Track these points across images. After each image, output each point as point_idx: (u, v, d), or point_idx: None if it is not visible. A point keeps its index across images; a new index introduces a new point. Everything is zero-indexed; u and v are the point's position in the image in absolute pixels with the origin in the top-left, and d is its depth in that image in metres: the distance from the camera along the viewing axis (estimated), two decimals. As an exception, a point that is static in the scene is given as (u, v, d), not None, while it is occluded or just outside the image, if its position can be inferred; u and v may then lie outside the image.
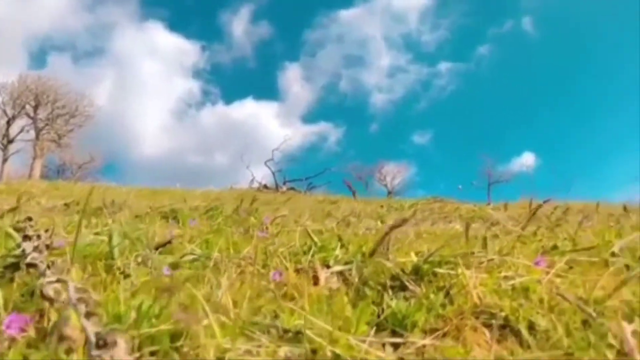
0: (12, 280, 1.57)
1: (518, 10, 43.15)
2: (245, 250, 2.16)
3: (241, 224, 3.34)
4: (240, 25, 41.36)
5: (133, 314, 1.17)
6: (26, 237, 1.77)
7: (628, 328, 1.24)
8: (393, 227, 1.72)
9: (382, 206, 8.32)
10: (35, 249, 1.64)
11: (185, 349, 1.10)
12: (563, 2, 37.71)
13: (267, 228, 3.09)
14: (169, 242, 2.20)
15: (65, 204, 6.64)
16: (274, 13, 46.02)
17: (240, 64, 43.41)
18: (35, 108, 35.32)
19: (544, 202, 2.86)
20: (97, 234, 2.68)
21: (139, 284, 1.61)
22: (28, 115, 35.36)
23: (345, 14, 39.79)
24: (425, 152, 40.05)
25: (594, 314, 1.29)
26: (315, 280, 1.87)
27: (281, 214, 4.03)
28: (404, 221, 1.74)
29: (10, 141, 34.71)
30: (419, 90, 39.54)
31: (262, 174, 26.93)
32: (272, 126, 42.22)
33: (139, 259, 1.96)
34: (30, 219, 2.26)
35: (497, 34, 38.57)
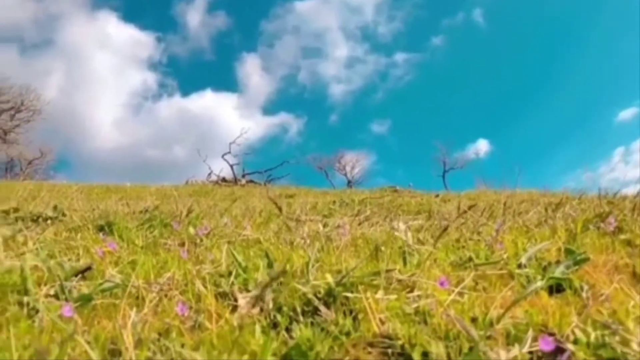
0: None
1: (469, 3, 44.29)
2: (168, 274, 2.15)
3: (178, 236, 3.30)
4: (196, 16, 40.25)
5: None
6: None
7: (504, 355, 1.33)
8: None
9: (334, 201, 8.38)
10: None
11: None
12: (510, -5, 39.09)
13: (201, 240, 3.08)
14: (89, 268, 2.15)
15: (4, 212, 6.30)
16: (229, 3, 45.26)
17: (197, 55, 42.44)
18: (-22, 103, 33.42)
19: (469, 207, 2.97)
20: (22, 254, 2.60)
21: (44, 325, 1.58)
22: (-30, 111, 33.45)
23: (301, 5, 39.58)
24: (384, 141, 40.78)
25: (478, 339, 1.37)
26: (235, 307, 1.89)
27: (223, 221, 4.01)
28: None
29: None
30: (377, 80, 40.02)
31: (221, 167, 26.60)
32: (231, 118, 41.62)
33: (52, 292, 1.91)
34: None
35: (450, 25, 39.61)
